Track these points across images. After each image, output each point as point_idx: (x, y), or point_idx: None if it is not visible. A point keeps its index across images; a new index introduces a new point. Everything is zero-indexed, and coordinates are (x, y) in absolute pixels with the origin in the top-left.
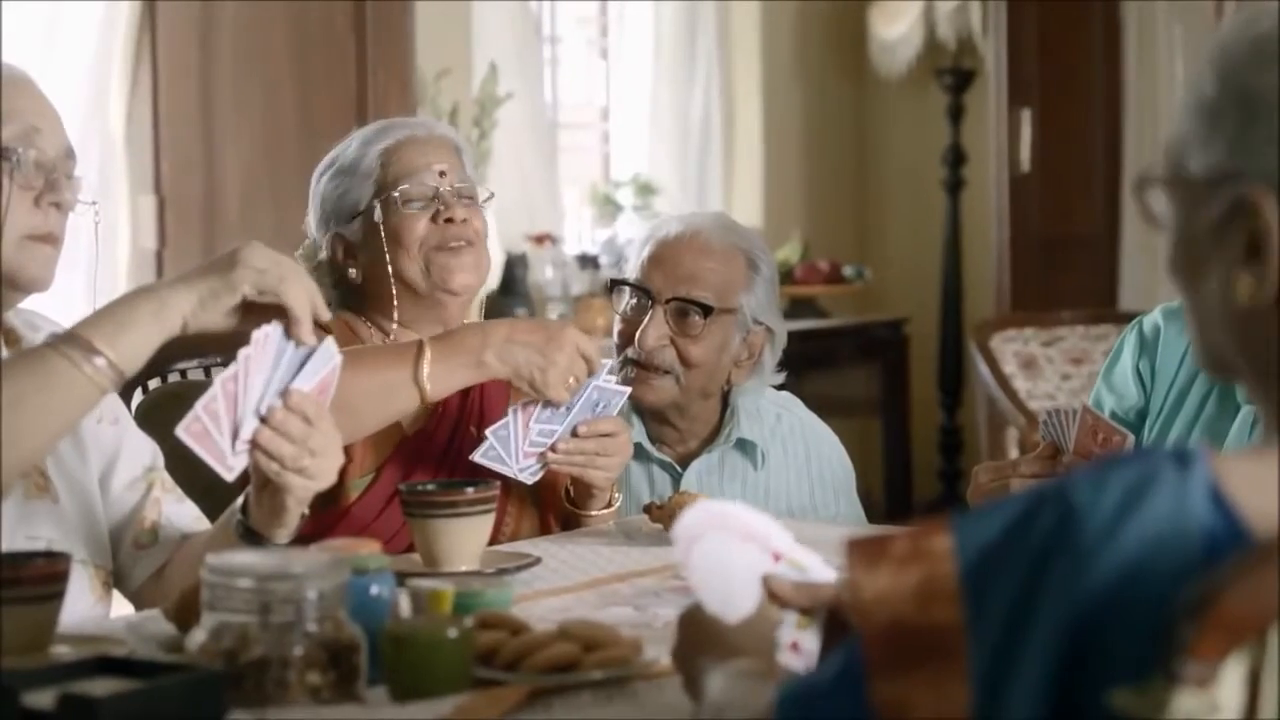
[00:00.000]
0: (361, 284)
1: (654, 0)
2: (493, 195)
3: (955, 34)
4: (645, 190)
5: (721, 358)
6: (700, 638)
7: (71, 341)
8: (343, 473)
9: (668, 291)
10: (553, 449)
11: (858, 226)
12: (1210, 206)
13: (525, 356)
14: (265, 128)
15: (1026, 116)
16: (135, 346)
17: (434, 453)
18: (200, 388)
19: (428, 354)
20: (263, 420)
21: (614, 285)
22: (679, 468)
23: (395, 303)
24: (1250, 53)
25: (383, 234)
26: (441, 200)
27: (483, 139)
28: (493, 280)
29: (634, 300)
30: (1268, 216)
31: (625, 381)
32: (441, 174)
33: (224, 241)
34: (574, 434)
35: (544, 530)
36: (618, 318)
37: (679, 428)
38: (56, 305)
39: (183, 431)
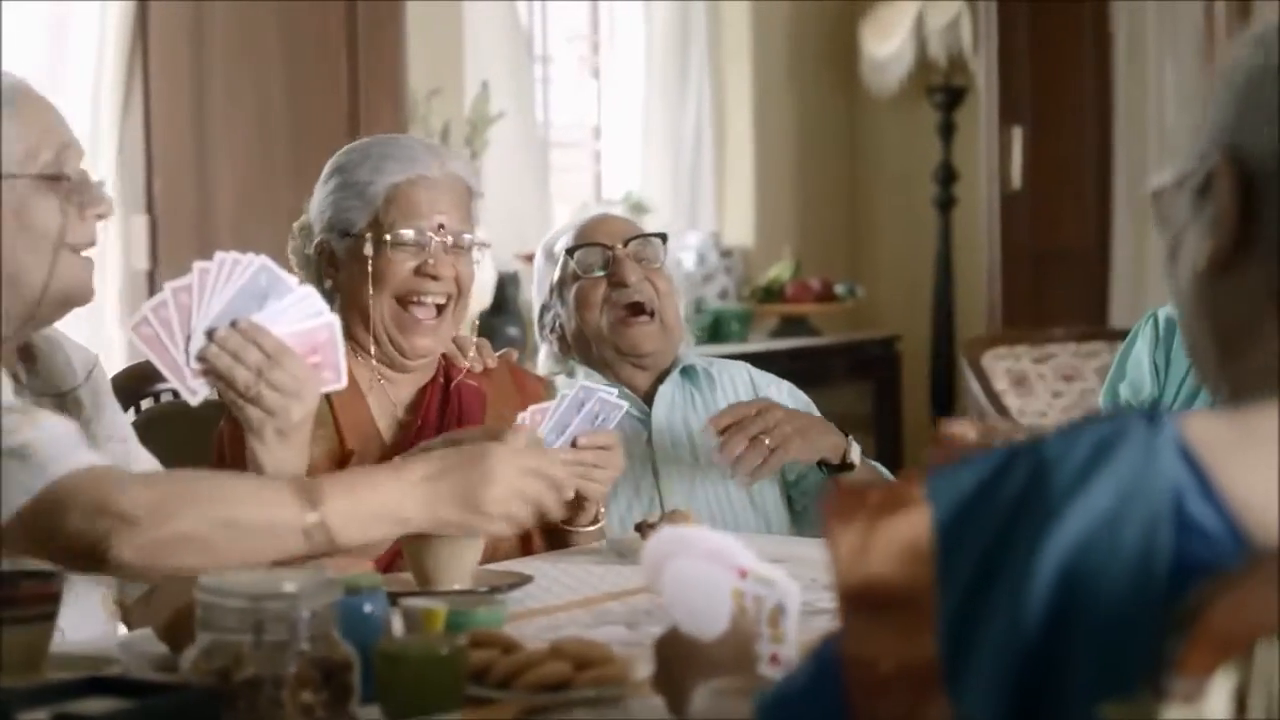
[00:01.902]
0: (335, 296)
1: (645, 18)
2: (488, 245)
3: (946, 52)
4: (637, 208)
5: (676, 299)
6: (680, 660)
7: (309, 492)
8: None
9: (620, 239)
10: None
11: (849, 244)
12: (1189, 180)
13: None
14: (257, 147)
15: (1017, 134)
16: (359, 533)
17: None
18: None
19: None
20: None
21: (572, 253)
22: (646, 406)
23: (365, 328)
24: (1243, 44)
25: (369, 268)
26: (430, 253)
27: (474, 158)
28: (484, 299)
29: (593, 261)
30: (1220, 183)
31: (617, 333)
32: (440, 226)
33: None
34: (573, 445)
35: (526, 545)
36: (572, 300)
37: (647, 367)
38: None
39: (132, 331)
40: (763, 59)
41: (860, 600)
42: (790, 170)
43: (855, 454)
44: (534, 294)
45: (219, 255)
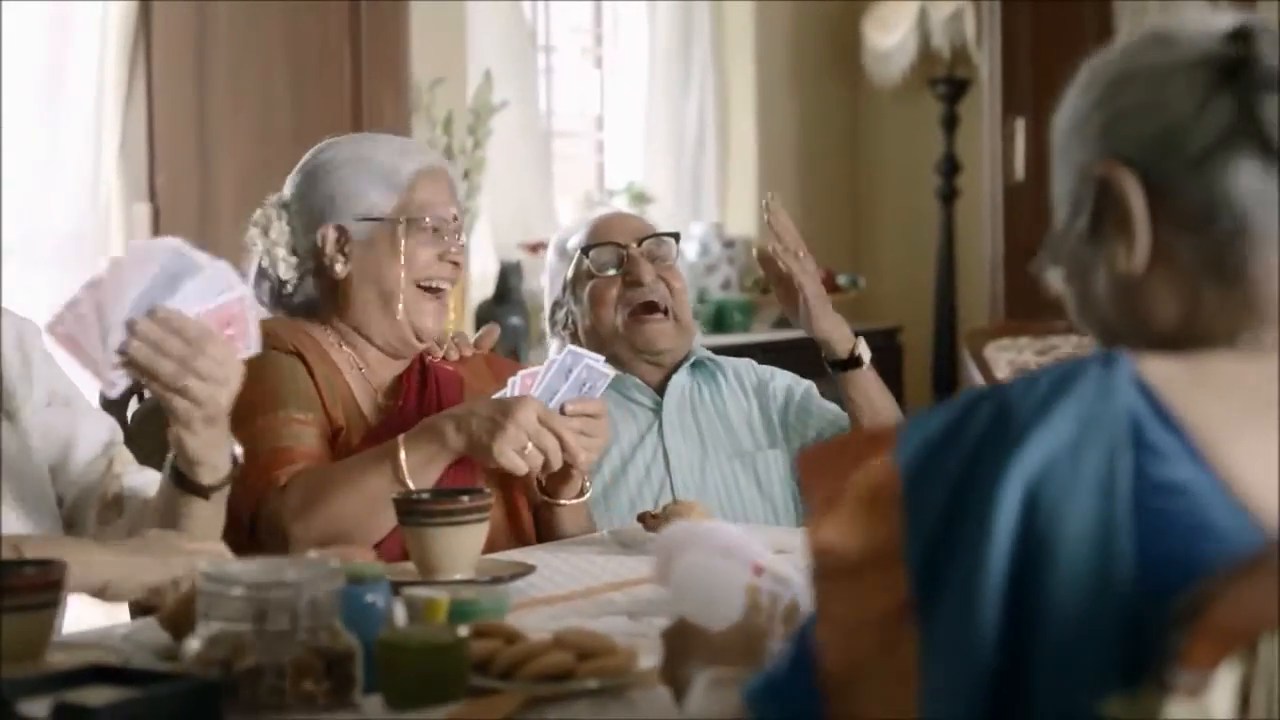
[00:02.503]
0: (341, 283)
1: (649, 8)
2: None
3: (949, 43)
4: (640, 199)
5: (686, 285)
6: (688, 651)
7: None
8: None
9: (634, 237)
10: None
11: (852, 235)
12: (1079, 216)
13: (478, 425)
14: (260, 136)
15: (1020, 126)
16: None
17: None
18: None
19: (402, 454)
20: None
21: (586, 252)
22: (657, 395)
23: (369, 312)
24: (1083, 82)
25: (401, 251)
26: (447, 239)
27: (477, 148)
28: (487, 288)
29: (607, 260)
30: (1122, 185)
31: (632, 330)
32: (455, 216)
33: (219, 250)
34: (561, 412)
35: (514, 521)
36: (586, 297)
37: (661, 364)
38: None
39: (48, 330)
40: (766, 49)
41: (829, 559)
42: (793, 161)
43: (864, 350)
44: (545, 289)
45: (131, 244)
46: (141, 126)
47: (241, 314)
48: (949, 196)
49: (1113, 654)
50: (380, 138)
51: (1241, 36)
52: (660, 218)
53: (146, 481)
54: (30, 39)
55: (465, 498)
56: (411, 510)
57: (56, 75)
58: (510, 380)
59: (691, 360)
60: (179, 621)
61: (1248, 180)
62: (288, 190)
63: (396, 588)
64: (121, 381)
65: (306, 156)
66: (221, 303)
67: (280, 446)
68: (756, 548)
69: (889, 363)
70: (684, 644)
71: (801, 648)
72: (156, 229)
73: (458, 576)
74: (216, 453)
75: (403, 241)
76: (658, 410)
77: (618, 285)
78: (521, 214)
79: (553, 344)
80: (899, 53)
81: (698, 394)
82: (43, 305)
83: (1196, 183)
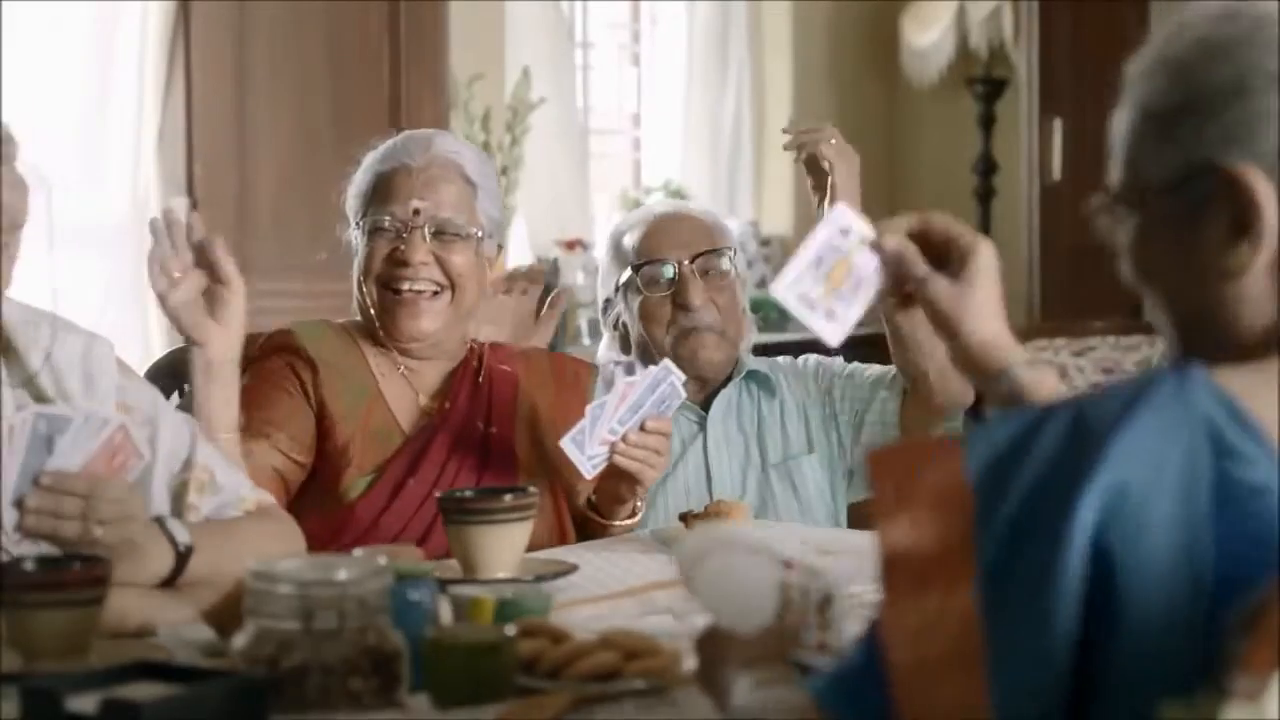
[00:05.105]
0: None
1: (686, 6)
2: (490, 237)
3: (987, 42)
4: (676, 196)
5: (741, 299)
6: (723, 657)
7: None
8: (342, 473)
9: (687, 254)
10: (623, 439)
11: None
12: (1177, 204)
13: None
14: (298, 130)
15: (1058, 126)
16: None
17: (439, 452)
18: None
19: None
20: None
21: (639, 270)
22: (701, 409)
23: (368, 316)
24: (1198, 54)
25: (355, 256)
26: (402, 239)
27: (514, 144)
28: None
29: (659, 278)
30: (1256, 189)
31: (678, 356)
32: (416, 212)
33: (256, 243)
34: (641, 428)
35: (561, 539)
36: (636, 310)
37: (707, 379)
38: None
39: None
40: (803, 47)
41: (898, 559)
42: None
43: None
44: (599, 279)
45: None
46: (180, 119)
47: (125, 440)
48: (985, 196)
49: (1192, 656)
50: (391, 141)
51: None
52: None
53: (221, 504)
54: (74, 27)
55: (509, 496)
56: (455, 509)
57: (97, 63)
58: (615, 387)
59: (744, 373)
60: (225, 618)
61: None
62: None
63: (441, 586)
64: (27, 551)
65: None
66: (103, 439)
67: (263, 465)
68: (782, 545)
69: None
70: (718, 650)
71: (870, 644)
72: None
73: (501, 575)
74: (154, 547)
75: (356, 245)
76: (702, 424)
77: (668, 305)
78: (558, 211)
79: (605, 335)
80: (936, 51)
81: (746, 405)
82: (91, 293)
83: None
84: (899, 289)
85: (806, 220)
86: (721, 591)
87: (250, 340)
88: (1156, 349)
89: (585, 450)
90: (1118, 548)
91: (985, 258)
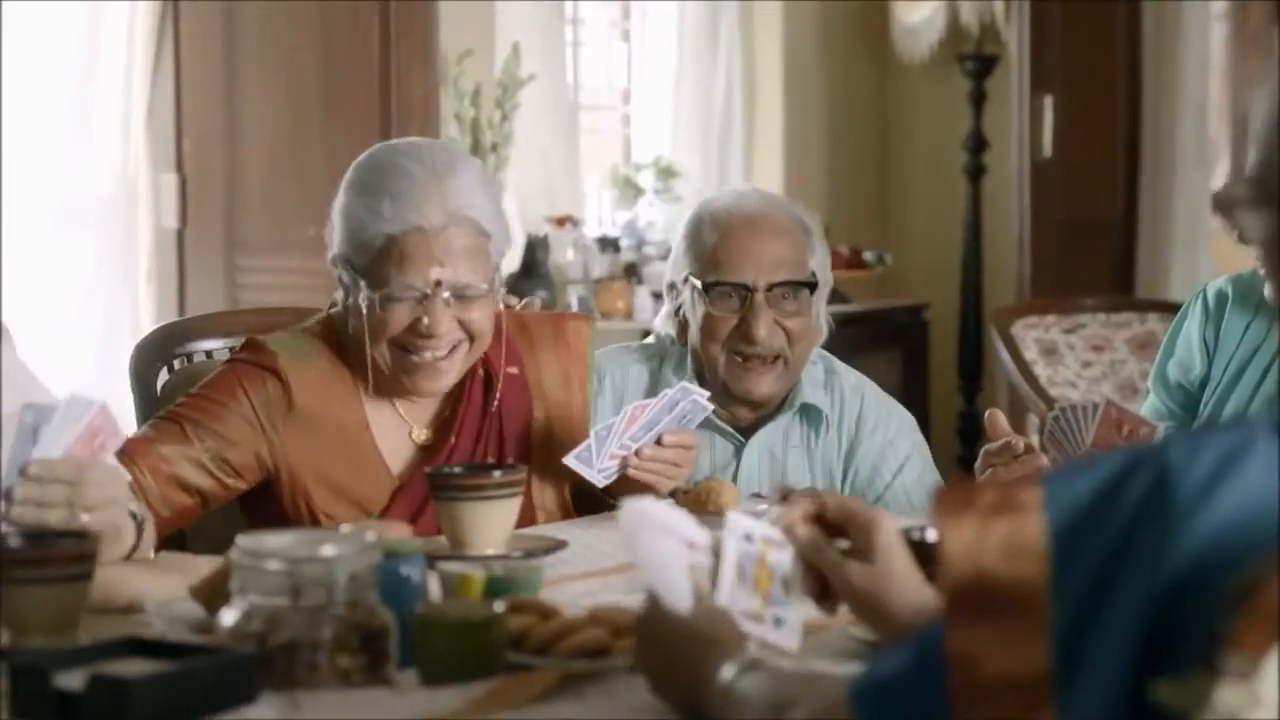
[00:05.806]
0: (343, 318)
1: None
2: (505, 289)
3: (978, 19)
4: (666, 173)
5: (815, 327)
6: (666, 635)
7: None
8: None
9: (764, 279)
10: (637, 454)
11: (879, 211)
12: None
13: None
14: (288, 106)
15: (1048, 103)
16: None
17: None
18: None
19: None
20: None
21: (709, 288)
22: (741, 437)
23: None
24: None
25: (364, 318)
26: (426, 309)
27: (505, 120)
28: (514, 262)
29: (728, 299)
30: None
31: (732, 374)
32: (438, 283)
33: (245, 220)
34: (658, 442)
35: (563, 509)
36: (700, 318)
37: (756, 407)
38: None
39: None
40: (794, 23)
41: (968, 597)
42: (820, 137)
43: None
44: (671, 255)
45: None
46: (170, 95)
47: (104, 422)
48: (976, 173)
49: None
50: (386, 171)
51: None
52: (687, 192)
53: None
54: (66, 7)
55: (497, 473)
56: (444, 485)
57: (86, 38)
58: (623, 410)
59: (797, 406)
60: (213, 595)
61: None
62: None
63: (430, 562)
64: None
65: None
66: (85, 423)
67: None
68: (687, 524)
69: (915, 340)
70: (663, 630)
71: (925, 660)
72: (184, 199)
73: (490, 551)
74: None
75: (364, 309)
76: (739, 451)
77: (732, 325)
78: (548, 187)
79: (664, 307)
80: (927, 28)
81: (791, 439)
82: (80, 269)
83: None
84: (817, 584)
85: (797, 198)
86: (649, 570)
87: (232, 318)
88: (1147, 325)
89: (594, 465)
90: (1192, 627)
91: (888, 531)
